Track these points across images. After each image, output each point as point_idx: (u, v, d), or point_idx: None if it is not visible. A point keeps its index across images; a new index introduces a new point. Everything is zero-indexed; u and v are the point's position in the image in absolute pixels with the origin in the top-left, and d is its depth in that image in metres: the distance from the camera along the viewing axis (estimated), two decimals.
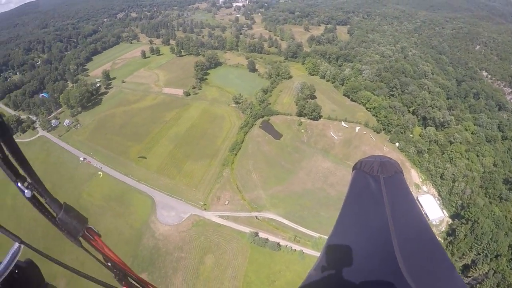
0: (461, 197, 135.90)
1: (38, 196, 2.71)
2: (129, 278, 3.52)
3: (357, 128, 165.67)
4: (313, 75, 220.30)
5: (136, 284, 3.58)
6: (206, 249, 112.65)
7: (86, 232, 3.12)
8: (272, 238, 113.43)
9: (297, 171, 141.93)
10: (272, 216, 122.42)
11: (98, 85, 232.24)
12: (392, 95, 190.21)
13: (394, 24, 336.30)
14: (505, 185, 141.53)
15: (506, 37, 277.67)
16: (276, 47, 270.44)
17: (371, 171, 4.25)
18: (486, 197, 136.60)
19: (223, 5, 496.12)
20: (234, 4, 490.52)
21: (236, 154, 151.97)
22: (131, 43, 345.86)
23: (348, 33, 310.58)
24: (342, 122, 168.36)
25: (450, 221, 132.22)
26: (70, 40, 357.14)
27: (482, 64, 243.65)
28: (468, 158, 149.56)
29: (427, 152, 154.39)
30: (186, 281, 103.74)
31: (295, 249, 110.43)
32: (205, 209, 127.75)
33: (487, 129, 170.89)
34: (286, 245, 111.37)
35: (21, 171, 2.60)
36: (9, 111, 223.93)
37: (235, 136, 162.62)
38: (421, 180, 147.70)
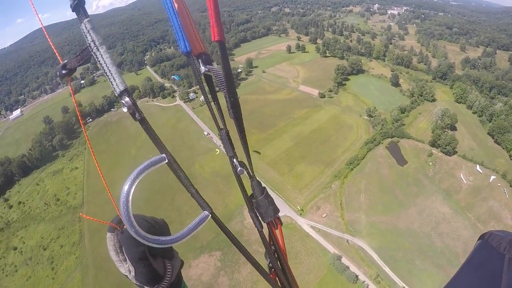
0: None
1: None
2: (279, 268, 3.60)
3: (492, 177, 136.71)
4: (459, 102, 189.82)
5: (283, 277, 3.60)
6: None
7: (273, 220, 3.40)
8: (353, 268, 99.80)
9: (409, 206, 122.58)
10: (363, 245, 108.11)
11: (239, 70, 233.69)
12: None
13: None
14: None
15: None
16: (425, 64, 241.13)
17: (497, 247, 3.35)
18: None
19: (377, 11, 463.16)
20: (389, 11, 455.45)
21: (352, 169, 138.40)
22: (280, 36, 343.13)
23: (508, 60, 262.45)
24: (477, 165, 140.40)
25: None
26: (224, 25, 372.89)
27: None
28: None
29: None
30: (252, 275, 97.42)
31: None
32: (300, 214, 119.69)
33: None
34: (364, 281, 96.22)
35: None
36: (157, 77, 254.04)
37: (358, 150, 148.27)
38: None
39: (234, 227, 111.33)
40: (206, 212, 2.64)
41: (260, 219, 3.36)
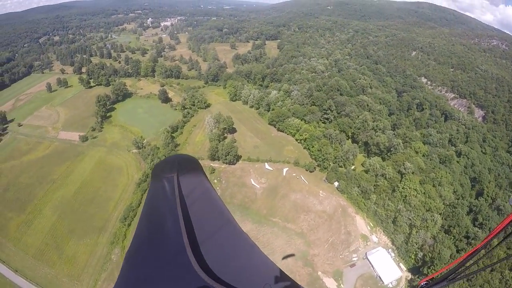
0: (421, 247, 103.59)
1: None
2: None
3: (285, 169, 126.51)
4: (234, 100, 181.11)
5: None
6: None
7: None
8: None
9: None
10: None
11: None
12: (327, 119, 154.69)
13: (327, 36, 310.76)
14: (468, 215, 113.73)
15: (441, 41, 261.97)
16: (196, 70, 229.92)
17: (167, 174, 3.99)
18: (451, 239, 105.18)
19: (150, 25, 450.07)
20: (162, 24, 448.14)
21: (129, 225, 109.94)
22: (43, 73, 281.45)
23: (278, 48, 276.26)
24: (266, 164, 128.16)
25: (410, 276, 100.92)
26: None
27: (420, 71, 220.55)
28: (424, 193, 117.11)
29: (374, 191, 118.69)
30: None
31: None
32: None
33: (438, 146, 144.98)
34: None
35: None
36: None
37: (131, 196, 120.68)
38: (369, 228, 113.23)
39: None
40: None
41: None
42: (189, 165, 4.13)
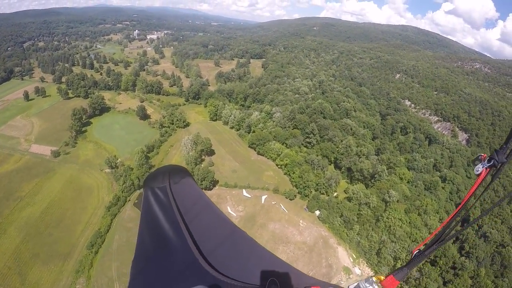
0: (406, 280, 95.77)
1: None
2: None
3: (264, 197, 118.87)
4: (215, 120, 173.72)
5: None
6: None
7: None
8: None
9: None
10: None
11: None
12: (309, 143, 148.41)
13: (312, 56, 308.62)
14: (454, 244, 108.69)
15: (424, 64, 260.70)
16: (178, 86, 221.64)
17: (159, 184, 4.14)
18: (438, 270, 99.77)
19: (136, 37, 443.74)
20: (148, 37, 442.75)
21: (96, 252, 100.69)
22: (23, 79, 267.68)
23: (262, 67, 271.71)
24: (244, 190, 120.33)
25: None
26: None
27: (404, 93, 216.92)
28: (410, 222, 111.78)
29: (357, 221, 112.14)
30: None
31: None
32: None
33: (423, 172, 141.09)
34: None
35: None
36: None
37: (100, 221, 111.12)
38: (352, 260, 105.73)
39: None
40: None
41: None
42: (180, 174, 4.19)
